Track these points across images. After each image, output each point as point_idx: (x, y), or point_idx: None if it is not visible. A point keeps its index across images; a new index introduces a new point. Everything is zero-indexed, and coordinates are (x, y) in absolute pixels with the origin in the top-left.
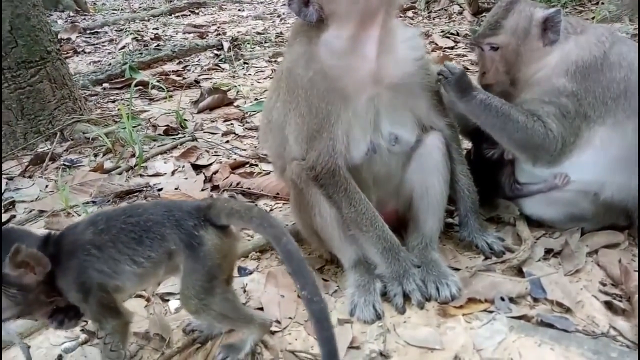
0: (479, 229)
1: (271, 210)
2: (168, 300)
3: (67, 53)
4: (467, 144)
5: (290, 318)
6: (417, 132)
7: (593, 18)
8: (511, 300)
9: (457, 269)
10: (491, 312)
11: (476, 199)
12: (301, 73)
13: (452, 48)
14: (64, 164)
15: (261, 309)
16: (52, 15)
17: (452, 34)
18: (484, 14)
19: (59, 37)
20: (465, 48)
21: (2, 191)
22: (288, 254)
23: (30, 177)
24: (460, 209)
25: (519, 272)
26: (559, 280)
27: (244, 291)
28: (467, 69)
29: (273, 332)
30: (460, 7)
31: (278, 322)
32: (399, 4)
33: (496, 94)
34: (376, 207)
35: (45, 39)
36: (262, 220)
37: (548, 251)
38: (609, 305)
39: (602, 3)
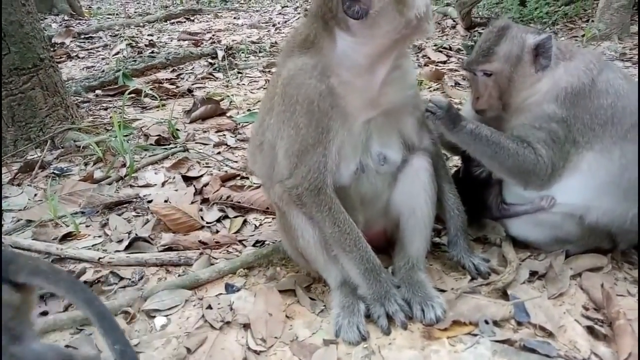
0: (467, 249)
1: (260, 224)
2: (154, 317)
3: (61, 57)
4: (455, 161)
5: (276, 337)
6: (404, 152)
7: (583, 36)
8: (495, 323)
9: (442, 290)
10: (475, 335)
11: (465, 218)
12: (312, 84)
13: (444, 62)
14: (53, 173)
15: (248, 325)
16: (46, 18)
17: (445, 48)
18: (476, 29)
19: (52, 41)
20: (457, 63)
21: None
22: (101, 316)
23: (19, 184)
24: (450, 229)
25: (503, 294)
26: (543, 304)
27: (231, 309)
28: (459, 84)
29: (258, 352)
30: (454, 21)
31: (264, 340)
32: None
33: (489, 119)
34: (364, 228)
35: (39, 46)
36: (71, 284)
37: (533, 273)
38: (590, 330)
39: (592, 21)
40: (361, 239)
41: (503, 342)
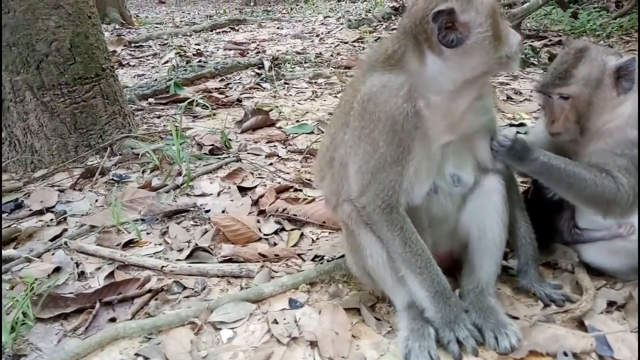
0: (538, 278)
1: (317, 239)
2: (220, 329)
3: (113, 65)
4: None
5: (343, 357)
6: (476, 173)
7: None
8: (574, 355)
9: (515, 317)
10: None
11: (536, 247)
12: (397, 102)
13: (494, 75)
14: (112, 179)
15: (315, 343)
16: None
17: None
18: (526, 41)
19: None
20: (507, 76)
21: (56, 204)
22: None
23: (80, 190)
24: (520, 257)
25: (580, 324)
26: (625, 337)
27: (297, 324)
28: (511, 98)
29: None
30: None
31: (331, 359)
32: None
33: (565, 143)
34: (431, 249)
35: (101, 56)
36: None
37: (610, 304)
38: None
39: None
40: (432, 261)
41: None
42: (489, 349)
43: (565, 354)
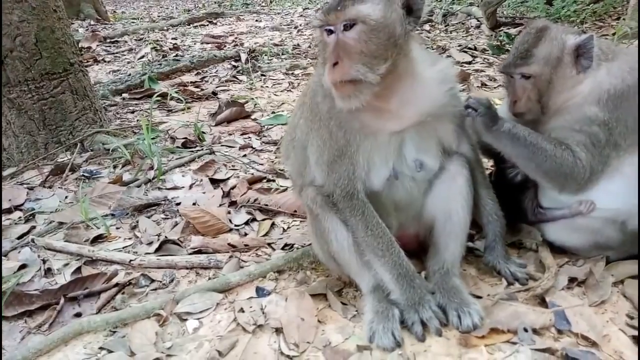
0: (504, 255)
1: (288, 228)
2: (186, 320)
3: (88, 62)
4: (487, 162)
5: (308, 342)
6: (441, 157)
7: (614, 34)
8: (534, 331)
9: (478, 297)
10: (514, 343)
11: (504, 224)
12: (320, 101)
13: (469, 63)
14: (83, 175)
15: (280, 329)
16: (73, 24)
17: (469, 48)
18: (501, 28)
19: (79, 46)
20: (483, 63)
21: (23, 202)
22: None
23: (50, 187)
24: (488, 234)
25: (541, 301)
26: (584, 311)
27: (263, 312)
28: (485, 84)
29: (291, 357)
30: (478, 20)
31: (296, 345)
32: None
33: (527, 122)
34: (396, 232)
35: (69, 51)
36: None
37: (571, 280)
38: (637, 340)
39: (623, 19)
40: (394, 244)
41: (544, 350)
42: (452, 328)
43: (526, 330)
